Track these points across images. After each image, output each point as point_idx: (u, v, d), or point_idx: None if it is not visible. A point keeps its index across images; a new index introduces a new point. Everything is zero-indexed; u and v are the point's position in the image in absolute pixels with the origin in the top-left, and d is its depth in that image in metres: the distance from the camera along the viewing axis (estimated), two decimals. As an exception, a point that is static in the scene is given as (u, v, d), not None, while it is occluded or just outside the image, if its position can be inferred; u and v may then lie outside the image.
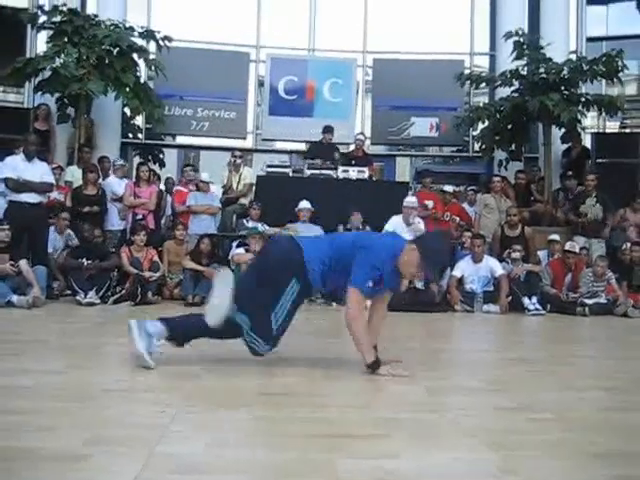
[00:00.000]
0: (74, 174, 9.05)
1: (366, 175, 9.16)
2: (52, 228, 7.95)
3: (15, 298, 6.45)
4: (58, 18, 9.83)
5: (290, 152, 12.94)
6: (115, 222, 8.65)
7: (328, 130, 10.18)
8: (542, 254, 8.76)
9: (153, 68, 10.45)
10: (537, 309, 7.63)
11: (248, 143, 13.05)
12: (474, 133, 12.31)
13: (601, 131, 12.83)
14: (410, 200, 8.40)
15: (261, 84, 12.95)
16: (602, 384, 3.60)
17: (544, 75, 10.04)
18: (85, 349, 4.25)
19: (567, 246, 8.29)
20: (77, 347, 4.33)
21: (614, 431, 2.61)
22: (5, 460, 2.02)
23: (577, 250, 8.28)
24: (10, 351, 4.03)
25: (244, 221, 8.54)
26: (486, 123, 11.00)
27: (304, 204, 8.41)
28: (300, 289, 3.56)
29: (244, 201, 9.20)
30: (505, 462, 2.15)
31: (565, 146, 10.85)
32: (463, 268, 8.01)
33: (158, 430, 2.34)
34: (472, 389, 3.34)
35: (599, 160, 10.82)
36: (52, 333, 5.16)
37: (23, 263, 6.85)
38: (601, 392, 3.39)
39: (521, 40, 10.14)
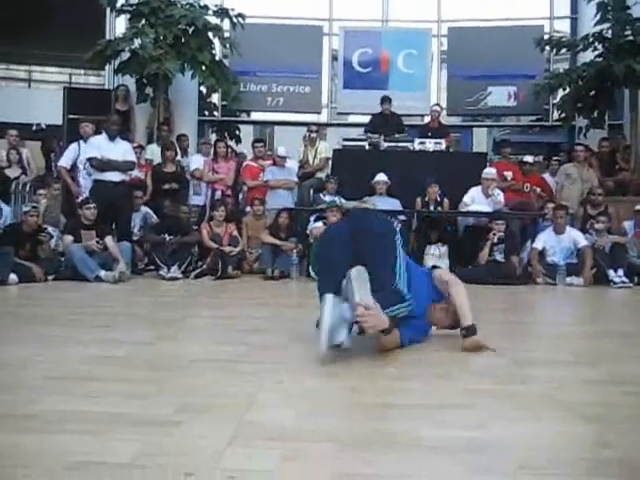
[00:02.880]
0: (154, 152, 9.26)
1: (443, 147, 9.02)
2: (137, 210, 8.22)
3: (103, 273, 6.68)
4: (135, 0, 10.02)
5: (365, 125, 12.86)
6: (195, 198, 8.83)
7: (385, 100, 10.05)
8: (628, 225, 8.42)
9: (228, 46, 10.55)
10: (623, 282, 7.35)
11: (323, 117, 13.02)
12: (554, 101, 11.92)
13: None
14: (489, 171, 8.24)
15: (335, 57, 12.87)
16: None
17: (631, 37, 9.58)
18: (172, 321, 4.36)
19: (655, 216, 7.96)
20: (164, 319, 4.46)
21: None
22: (95, 422, 2.10)
23: (667, 220, 7.95)
24: (101, 323, 4.18)
25: (321, 195, 8.56)
26: (567, 90, 10.63)
27: (380, 177, 8.36)
28: None
29: (321, 175, 9.22)
30: (600, 435, 2.09)
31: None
32: (545, 240, 7.80)
33: (246, 399, 2.38)
34: (560, 362, 3.26)
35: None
36: (139, 306, 5.32)
37: (109, 239, 7.08)
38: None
39: (605, 1, 9.71)
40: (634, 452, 1.95)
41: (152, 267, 7.57)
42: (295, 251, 7.47)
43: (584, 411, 2.36)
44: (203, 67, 10.15)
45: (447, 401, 2.47)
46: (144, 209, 8.35)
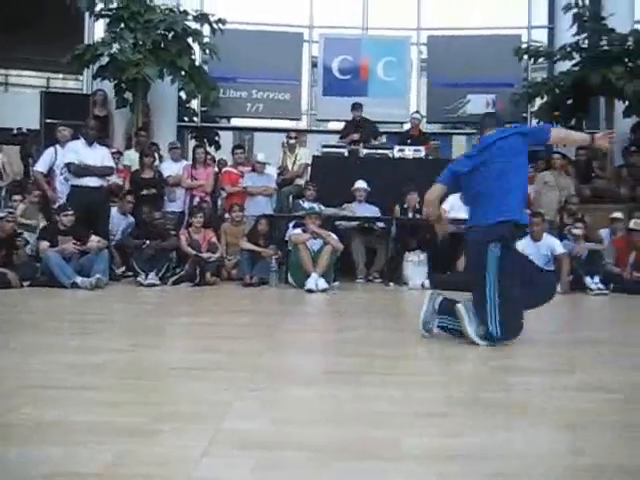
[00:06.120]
0: (132, 158, 9.19)
1: (422, 154, 9.05)
2: (115, 210, 8.13)
3: (79, 279, 6.61)
4: (115, 4, 9.97)
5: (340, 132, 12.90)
6: (173, 204, 8.77)
7: (356, 107, 10.09)
8: (604, 232, 8.50)
9: (207, 51, 10.52)
10: (600, 288, 7.43)
11: (303, 124, 13.04)
12: (532, 109, 12.03)
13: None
14: (468, 179, 8.27)
15: (315, 64, 12.90)
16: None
17: (606, 47, 9.72)
18: (149, 329, 4.34)
19: (631, 224, 8.03)
20: (142, 327, 4.42)
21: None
22: (69, 431, 2.07)
23: (643, 227, 8.03)
24: (78, 330, 4.14)
25: (300, 202, 8.55)
26: (545, 99, 10.74)
27: (360, 184, 8.37)
28: None
29: (300, 182, 9.21)
30: (575, 443, 2.10)
31: (634, 120, 10.48)
32: (522, 247, 7.77)
33: (223, 407, 2.36)
34: (539, 369, 3.29)
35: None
36: (117, 313, 5.28)
37: (94, 238, 7.01)
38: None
39: (581, 12, 9.83)
40: (607, 459, 1.97)
41: (130, 273, 7.52)
42: (274, 258, 7.45)
43: (559, 418, 2.38)
44: (182, 72, 10.11)
45: (427, 409, 2.47)
46: (131, 218, 8.26)
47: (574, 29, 10.01)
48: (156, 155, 9.14)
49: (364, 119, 10.10)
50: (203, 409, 2.36)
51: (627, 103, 10.06)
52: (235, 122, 13.63)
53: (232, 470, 1.79)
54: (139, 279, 7.10)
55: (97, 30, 11.45)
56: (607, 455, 2.00)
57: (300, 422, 2.27)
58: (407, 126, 10.88)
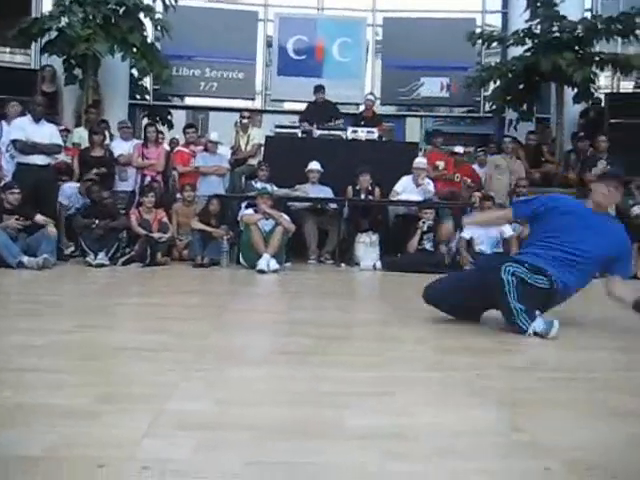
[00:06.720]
0: (81, 136, 9.01)
1: (375, 136, 9.07)
2: (75, 189, 7.98)
3: (26, 259, 6.46)
4: (63, -24, 9.70)
5: (300, 113, 12.84)
6: (124, 184, 8.64)
7: (319, 89, 10.07)
8: (552, 216, 8.68)
9: (159, 28, 10.33)
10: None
11: (257, 104, 12.94)
12: (485, 93, 12.16)
13: (615, 91, 12.61)
14: (420, 161, 8.36)
15: (269, 44, 12.80)
16: (612, 344, 3.59)
17: (557, 34, 9.86)
18: (96, 309, 4.27)
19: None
20: (89, 307, 4.36)
21: (624, 390, 2.61)
22: (10, 413, 2.03)
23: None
24: (23, 311, 4.06)
25: (253, 182, 8.51)
26: (497, 83, 10.86)
27: (313, 165, 8.36)
28: None
29: (253, 162, 9.16)
30: (514, 420, 2.15)
31: (583, 107, 10.68)
32: (472, 229, 7.97)
33: (168, 388, 2.34)
34: (483, 349, 3.34)
35: (612, 121, 10.65)
36: (64, 294, 5.20)
37: (39, 216, 6.86)
38: (611, 352, 3.39)
39: (534, -3, 9.95)
40: (544, 435, 2.02)
41: (78, 253, 7.39)
42: (226, 238, 7.40)
43: (501, 397, 2.43)
44: (134, 49, 9.91)
45: (372, 389, 2.49)
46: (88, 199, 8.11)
47: (527, 14, 10.13)
48: (106, 133, 8.98)
49: (327, 101, 10.07)
50: (147, 390, 2.34)
51: (576, 90, 10.24)
52: (188, 101, 13.46)
53: (174, 450, 1.78)
54: (88, 259, 6.98)
55: (45, 3, 11.12)
56: (543, 431, 2.06)
57: (245, 402, 2.26)
58: (362, 107, 10.90)
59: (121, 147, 8.75)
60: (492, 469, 1.76)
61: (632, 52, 11.26)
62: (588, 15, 10.64)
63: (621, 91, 12.80)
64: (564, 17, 9.86)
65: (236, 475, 1.65)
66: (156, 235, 7.48)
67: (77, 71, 10.03)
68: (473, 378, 2.69)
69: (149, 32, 10.80)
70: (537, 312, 3.58)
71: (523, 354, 3.25)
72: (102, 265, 6.90)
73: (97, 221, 7.29)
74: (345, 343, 3.40)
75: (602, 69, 10.15)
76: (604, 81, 12.20)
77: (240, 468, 1.69)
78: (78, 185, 8.14)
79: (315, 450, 1.83)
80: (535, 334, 3.49)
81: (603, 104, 10.73)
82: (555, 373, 2.84)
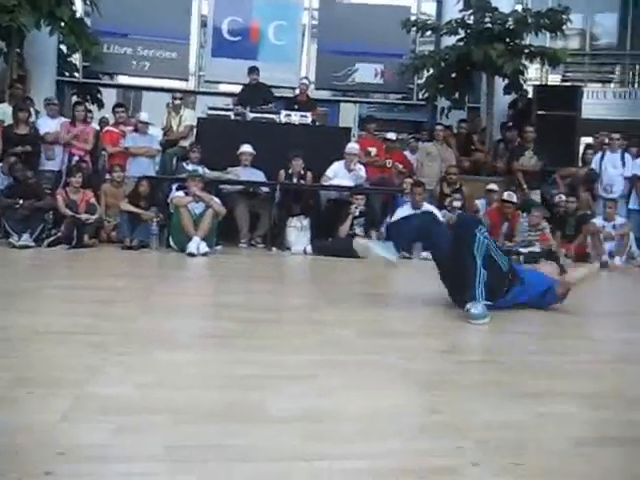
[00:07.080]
0: (5, 112, 8.67)
1: (309, 120, 9.05)
2: None
3: (-56, 239, 6.23)
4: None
5: (234, 95, 12.70)
6: (51, 163, 8.39)
7: (253, 71, 9.99)
8: (480, 203, 8.88)
9: (89, 2, 10.02)
10: (474, 257, 7.76)
11: (191, 85, 12.74)
12: (418, 81, 12.30)
13: (543, 83, 12.96)
14: (352, 146, 8.39)
15: (204, 24, 12.58)
16: (532, 329, 3.72)
17: (489, 25, 10.04)
18: (19, 292, 4.14)
19: (505, 196, 8.41)
20: (11, 290, 4.22)
21: (537, 372, 2.71)
22: None
23: (514, 200, 8.43)
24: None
25: (184, 164, 8.38)
26: (431, 71, 10.98)
27: (246, 148, 8.29)
28: None
29: (185, 143, 9.01)
30: (432, 403, 2.21)
31: (512, 97, 10.92)
32: (403, 215, 8.06)
33: (88, 372, 2.31)
34: (408, 332, 3.41)
35: (540, 112, 10.95)
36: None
37: None
38: (530, 337, 3.51)
39: (468, -13, 10.11)
40: (457, 416, 2.10)
41: (1, 235, 7.14)
42: (155, 221, 7.28)
43: (422, 379, 2.50)
44: (62, 24, 9.58)
45: (296, 372, 2.51)
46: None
47: (461, 4, 10.28)
48: (32, 110, 8.68)
49: (260, 83, 9.99)
50: (68, 374, 2.30)
51: (507, 81, 10.47)
52: (120, 80, 13.13)
53: (92, 434, 1.77)
54: (11, 240, 6.76)
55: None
56: (457, 412, 2.13)
57: (167, 386, 2.25)
58: (296, 91, 10.86)
59: (47, 125, 8.47)
60: (409, 449, 1.81)
61: (559, 46, 11.60)
62: (519, 8, 10.84)
63: (549, 83, 13.17)
64: (496, 9, 10.04)
65: (155, 458, 1.65)
66: (83, 216, 7.28)
67: (1, 44, 9.65)
68: (396, 361, 2.74)
69: (78, 7, 10.46)
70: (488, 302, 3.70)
71: (445, 338, 3.33)
72: (26, 247, 6.68)
73: (21, 201, 7.07)
74: (272, 327, 3.41)
75: (531, 61, 10.40)
76: (533, 73, 12.52)
77: (161, 451, 1.68)
78: (1, 164, 7.85)
79: (238, 433, 1.85)
80: (467, 312, 3.58)
81: (531, 95, 11.00)
82: (473, 356, 2.93)
